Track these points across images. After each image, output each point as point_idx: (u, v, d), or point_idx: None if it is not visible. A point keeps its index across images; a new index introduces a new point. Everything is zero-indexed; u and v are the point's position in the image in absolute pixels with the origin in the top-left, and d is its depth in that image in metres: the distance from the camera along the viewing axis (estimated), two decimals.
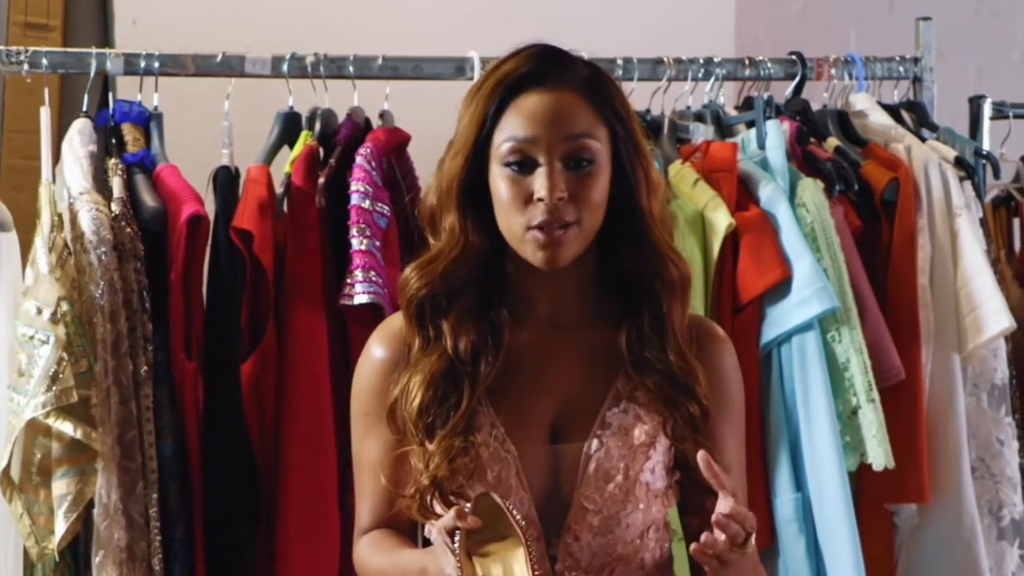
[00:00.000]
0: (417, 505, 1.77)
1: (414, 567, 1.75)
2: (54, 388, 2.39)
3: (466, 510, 1.68)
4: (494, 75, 1.81)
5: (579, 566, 1.77)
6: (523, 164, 1.78)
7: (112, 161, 2.58)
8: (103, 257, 2.45)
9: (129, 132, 2.63)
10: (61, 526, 2.39)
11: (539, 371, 1.81)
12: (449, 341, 1.78)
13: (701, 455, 1.70)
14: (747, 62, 2.87)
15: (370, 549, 1.85)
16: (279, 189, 2.61)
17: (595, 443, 1.78)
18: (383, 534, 1.84)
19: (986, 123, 2.98)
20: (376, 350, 1.84)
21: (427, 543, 1.79)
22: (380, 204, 2.58)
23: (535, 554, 1.67)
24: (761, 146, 2.75)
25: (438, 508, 1.76)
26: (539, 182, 1.77)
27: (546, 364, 1.81)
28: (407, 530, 1.86)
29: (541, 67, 1.80)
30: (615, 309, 1.83)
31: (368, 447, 1.83)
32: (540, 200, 1.76)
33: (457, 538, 1.67)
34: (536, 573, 1.66)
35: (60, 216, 2.50)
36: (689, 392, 1.80)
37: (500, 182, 1.79)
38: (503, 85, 1.80)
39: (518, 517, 1.68)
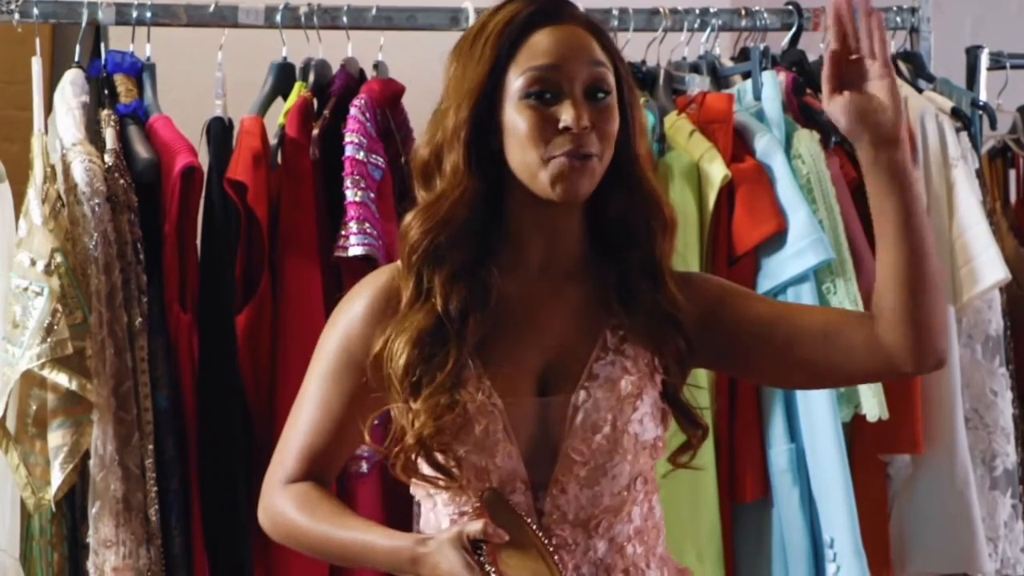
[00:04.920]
0: (402, 464, 1.75)
1: (400, 555, 1.71)
2: (49, 339, 2.39)
3: (475, 502, 1.67)
4: (495, 20, 1.79)
5: (566, 519, 1.76)
6: (544, 94, 1.75)
7: (105, 112, 2.57)
8: (96, 208, 2.45)
9: (121, 83, 2.62)
10: (57, 477, 2.40)
11: (527, 322, 1.79)
12: (439, 300, 1.75)
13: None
14: (743, 12, 2.86)
15: (300, 505, 1.79)
16: (273, 140, 2.60)
17: (582, 394, 1.77)
18: (319, 492, 1.79)
19: (983, 74, 2.97)
20: (359, 300, 1.81)
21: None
22: (375, 155, 2.57)
23: (560, 568, 1.67)
24: (757, 97, 2.74)
25: (425, 469, 1.74)
26: (565, 112, 1.74)
27: (534, 315, 1.80)
28: (332, 484, 1.82)
29: (545, 7, 1.79)
30: (602, 258, 1.82)
31: (326, 390, 1.79)
32: (566, 129, 1.74)
33: (482, 553, 1.64)
34: None
35: (53, 167, 2.49)
36: (676, 326, 1.79)
37: (519, 116, 1.75)
38: (511, 26, 1.78)
39: (535, 527, 1.68)
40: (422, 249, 1.77)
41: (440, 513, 1.77)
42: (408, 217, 1.80)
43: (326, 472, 1.82)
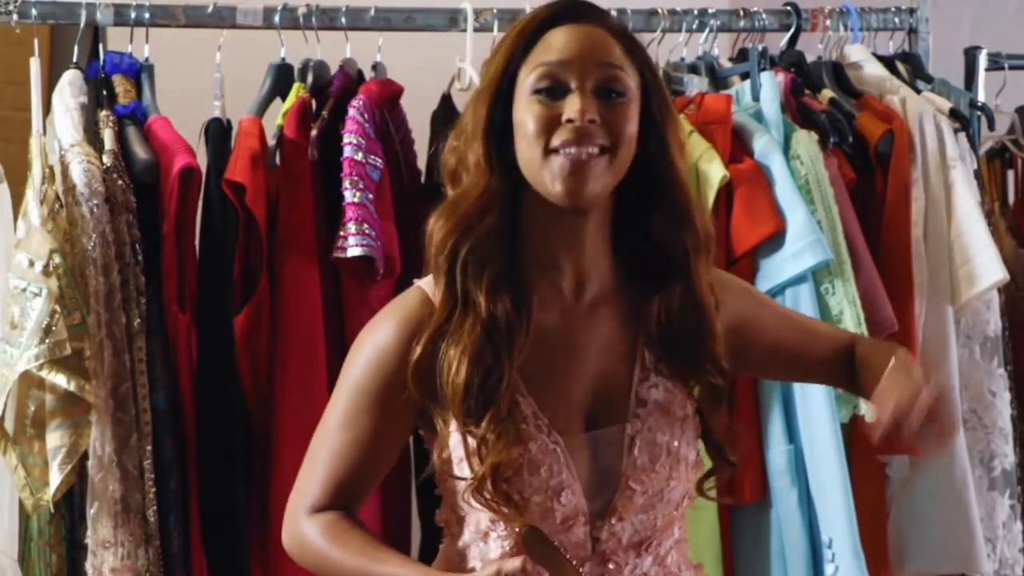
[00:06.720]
0: (473, 488, 1.71)
1: None
2: (47, 340, 2.39)
3: (517, 532, 1.66)
4: (522, 20, 1.76)
5: (621, 544, 1.75)
6: (553, 90, 1.71)
7: (103, 113, 2.57)
8: (95, 209, 2.45)
9: (120, 84, 2.62)
10: (56, 478, 2.40)
11: (569, 353, 1.76)
12: (484, 308, 1.70)
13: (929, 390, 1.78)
14: (742, 13, 2.86)
15: (330, 536, 1.76)
16: (271, 141, 2.60)
17: (636, 423, 1.75)
18: (347, 523, 1.76)
19: (981, 74, 2.97)
20: (388, 324, 1.76)
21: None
22: (373, 156, 2.57)
23: None
24: (755, 98, 2.74)
25: (474, 502, 1.71)
26: (569, 105, 1.70)
27: (574, 345, 1.76)
28: (358, 513, 1.79)
29: (571, 8, 1.76)
30: (635, 279, 1.79)
31: (356, 418, 1.76)
32: (569, 121, 1.69)
33: None
34: None
35: (51, 168, 2.49)
36: (717, 367, 1.78)
37: (526, 112, 1.71)
38: (533, 23, 1.75)
39: (573, 563, 1.68)
40: (449, 249, 1.72)
41: (492, 543, 1.74)
42: (431, 220, 1.75)
43: (353, 502, 1.79)
